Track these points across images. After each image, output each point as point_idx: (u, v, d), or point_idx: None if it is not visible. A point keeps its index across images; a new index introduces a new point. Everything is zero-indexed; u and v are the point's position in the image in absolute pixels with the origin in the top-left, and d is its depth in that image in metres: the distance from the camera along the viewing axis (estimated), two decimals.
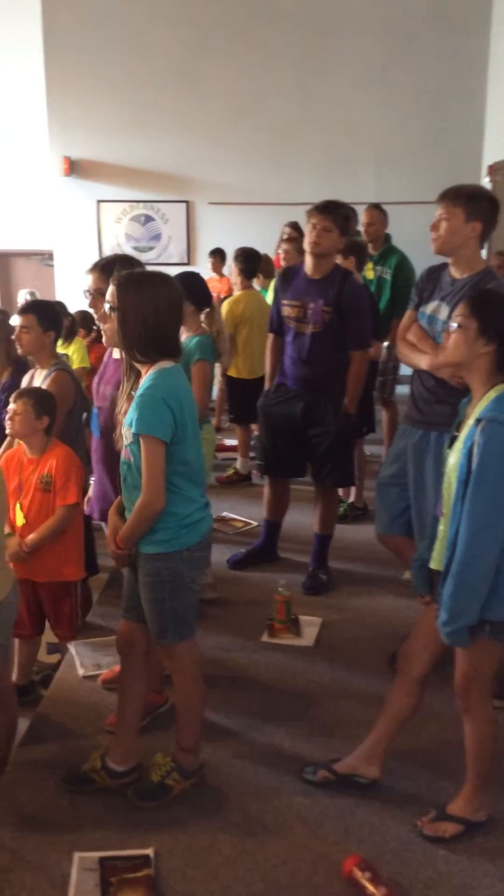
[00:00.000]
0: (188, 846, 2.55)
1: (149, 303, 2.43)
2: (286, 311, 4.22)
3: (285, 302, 4.22)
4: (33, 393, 3.56)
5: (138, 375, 2.57)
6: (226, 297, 7.66)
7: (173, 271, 4.06)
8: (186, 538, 2.58)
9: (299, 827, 2.65)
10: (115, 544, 2.62)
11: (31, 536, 3.45)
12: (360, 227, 5.84)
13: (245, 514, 5.54)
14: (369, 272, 5.62)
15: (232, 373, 6.29)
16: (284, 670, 3.60)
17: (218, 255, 8.92)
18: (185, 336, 4.01)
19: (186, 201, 10.06)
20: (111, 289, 2.50)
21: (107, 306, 2.52)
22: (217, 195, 9.75)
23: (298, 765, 2.92)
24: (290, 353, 4.26)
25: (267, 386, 4.50)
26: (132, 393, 2.57)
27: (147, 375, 2.48)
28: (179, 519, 2.55)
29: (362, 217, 5.84)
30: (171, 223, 10.19)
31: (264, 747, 3.07)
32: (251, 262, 6.23)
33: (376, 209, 5.86)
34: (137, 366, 2.54)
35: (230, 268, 6.16)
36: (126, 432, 2.49)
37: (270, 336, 4.48)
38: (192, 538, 2.60)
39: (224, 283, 8.57)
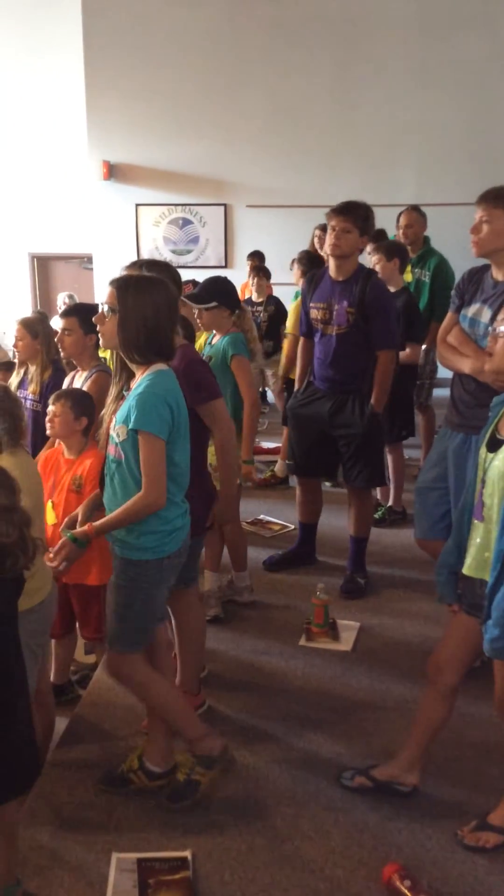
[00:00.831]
0: (226, 850, 2.54)
1: (148, 305, 2.46)
2: (313, 313, 4.25)
3: (312, 304, 4.26)
4: (72, 394, 3.58)
5: (129, 376, 2.59)
6: (245, 300, 7.69)
7: (212, 274, 4.13)
8: (170, 545, 2.59)
9: (337, 833, 2.62)
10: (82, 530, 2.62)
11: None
12: (399, 230, 5.79)
13: (282, 517, 5.52)
14: (408, 275, 5.57)
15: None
16: (322, 675, 3.58)
17: (255, 258, 8.92)
18: (217, 337, 4.04)
19: (224, 204, 10.08)
20: (109, 291, 2.53)
21: (105, 308, 2.53)
22: (255, 198, 9.76)
23: (336, 770, 2.90)
24: (318, 355, 4.30)
25: (297, 387, 4.54)
26: (124, 393, 2.59)
27: (144, 375, 2.50)
28: (165, 523, 2.55)
29: (401, 219, 5.79)
30: (208, 226, 10.22)
31: (302, 752, 3.05)
32: (314, 264, 6.22)
33: (415, 211, 5.81)
34: (132, 367, 2.56)
35: (294, 270, 6.15)
36: (120, 430, 2.49)
37: (301, 339, 4.51)
38: (174, 545, 2.61)
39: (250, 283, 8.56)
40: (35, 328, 4.33)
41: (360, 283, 4.07)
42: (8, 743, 2.10)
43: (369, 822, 2.67)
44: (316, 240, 6.53)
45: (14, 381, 4.46)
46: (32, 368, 4.37)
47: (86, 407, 3.53)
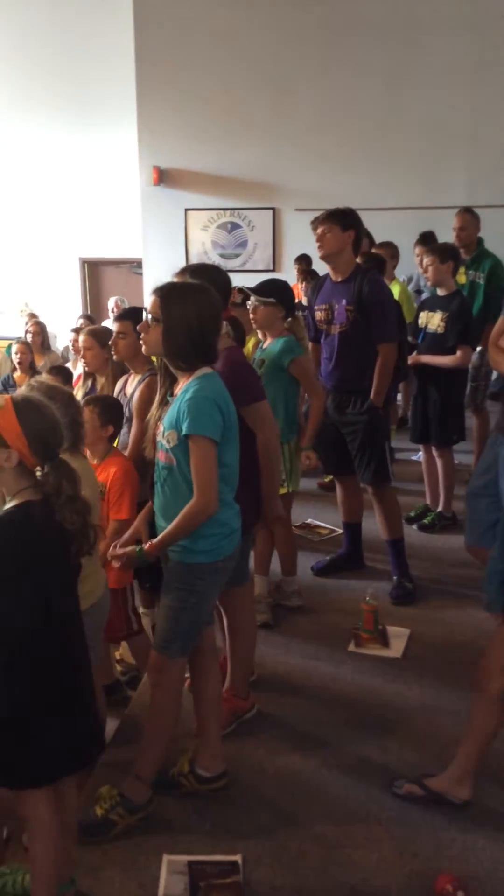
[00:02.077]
0: (276, 855, 2.54)
1: (192, 313, 2.47)
2: (317, 315, 4.34)
3: (316, 307, 4.35)
4: (100, 401, 3.61)
5: (173, 381, 2.60)
6: (297, 303, 7.66)
7: (259, 278, 4.14)
8: (225, 548, 2.59)
9: (389, 841, 2.60)
10: (128, 554, 2.64)
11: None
12: (452, 232, 5.74)
13: (330, 521, 5.50)
14: (461, 277, 5.52)
15: None
16: (372, 681, 3.55)
17: (303, 262, 8.90)
18: (269, 341, 4.04)
19: (273, 208, 10.09)
20: (153, 299, 2.53)
21: (149, 317, 2.53)
22: (303, 201, 9.72)
23: (387, 778, 2.87)
24: (324, 355, 4.39)
25: None
26: (168, 398, 2.59)
27: (190, 380, 2.50)
28: (221, 526, 2.55)
29: (454, 221, 5.74)
30: (257, 230, 10.23)
31: (352, 758, 3.03)
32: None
33: (468, 213, 5.75)
34: (177, 373, 2.57)
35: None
36: (170, 435, 2.49)
37: (311, 345, 4.53)
38: (229, 548, 2.60)
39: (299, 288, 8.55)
40: (103, 338, 4.27)
41: (358, 281, 4.14)
42: (66, 718, 2.15)
43: (421, 832, 2.64)
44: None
45: (79, 392, 4.41)
46: (101, 379, 4.34)
47: (113, 415, 3.57)
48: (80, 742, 2.21)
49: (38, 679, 2.10)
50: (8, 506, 2.11)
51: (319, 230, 4.08)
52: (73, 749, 2.19)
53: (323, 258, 4.17)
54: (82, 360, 4.49)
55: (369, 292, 4.11)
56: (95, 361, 4.31)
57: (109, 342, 4.04)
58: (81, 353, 4.44)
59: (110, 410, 3.56)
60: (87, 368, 4.48)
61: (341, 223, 4.06)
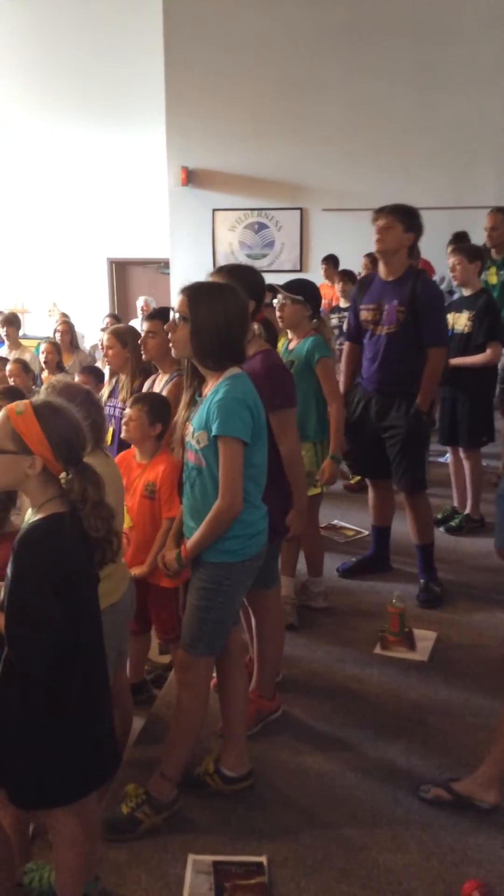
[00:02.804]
0: (301, 857, 2.53)
1: (220, 313, 2.46)
2: (363, 314, 4.25)
3: (362, 307, 4.25)
4: (149, 399, 3.60)
5: (201, 382, 2.60)
6: (336, 307, 7.65)
7: (286, 278, 4.13)
8: (252, 548, 2.58)
9: (415, 845, 2.58)
10: (167, 561, 2.67)
11: (148, 559, 3.50)
12: (484, 231, 5.70)
13: (356, 522, 5.48)
14: (492, 276, 5.48)
15: None
16: (398, 684, 3.53)
17: (330, 262, 8.88)
18: (295, 342, 4.03)
19: (300, 208, 10.08)
20: (181, 298, 2.52)
21: (176, 316, 2.53)
22: (331, 201, 9.72)
23: (413, 782, 2.86)
24: (367, 355, 4.29)
25: (342, 391, 4.45)
26: (197, 399, 2.59)
27: (220, 381, 2.49)
28: (248, 526, 2.54)
29: (485, 221, 5.69)
30: (284, 230, 10.23)
31: (378, 762, 3.01)
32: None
33: (500, 213, 5.71)
34: (206, 373, 2.56)
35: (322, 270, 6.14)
36: (200, 436, 2.48)
37: (346, 344, 4.50)
38: (256, 548, 2.60)
39: (336, 289, 8.53)
40: (125, 338, 4.34)
41: (411, 282, 4.06)
42: (90, 736, 2.13)
43: (448, 837, 2.62)
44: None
45: (105, 391, 4.48)
46: (123, 377, 4.40)
47: (162, 413, 3.55)
48: (101, 760, 2.19)
49: (62, 699, 2.06)
50: (35, 518, 2.06)
51: (381, 222, 4.01)
52: (94, 768, 2.17)
53: (378, 252, 4.11)
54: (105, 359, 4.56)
55: (424, 294, 4.03)
56: (117, 360, 4.38)
57: (139, 341, 4.06)
58: (105, 351, 4.50)
59: (158, 408, 3.55)
60: (110, 367, 4.53)
61: (406, 223, 4.00)
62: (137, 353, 4.23)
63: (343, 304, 7.49)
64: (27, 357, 7.19)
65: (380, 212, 4.05)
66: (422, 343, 4.10)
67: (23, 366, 6.26)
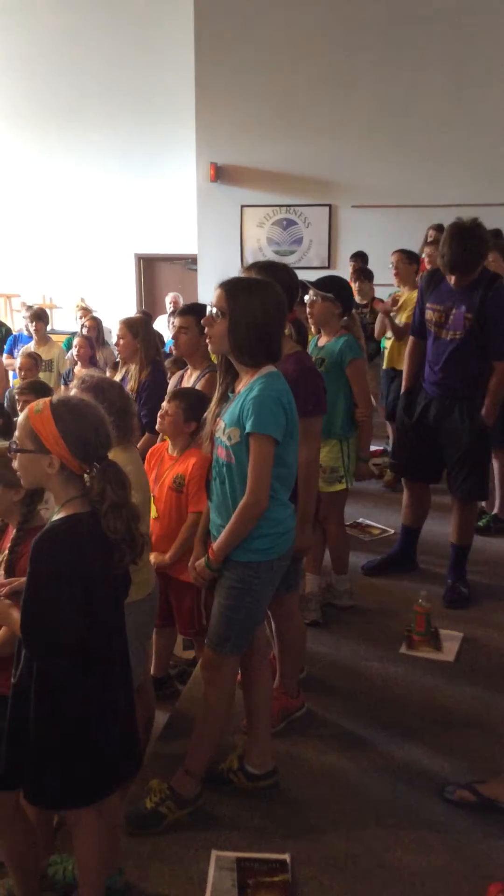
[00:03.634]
0: (325, 855, 2.52)
1: (258, 308, 2.44)
2: (428, 314, 4.12)
3: (429, 305, 4.12)
4: (187, 397, 3.58)
5: (234, 378, 2.58)
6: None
7: (314, 275, 4.10)
8: (280, 547, 2.56)
9: (439, 847, 2.56)
10: (200, 572, 2.63)
11: (172, 550, 3.51)
12: None
13: (382, 520, 5.46)
14: None
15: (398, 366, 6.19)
16: (423, 684, 3.51)
17: (359, 259, 8.83)
18: (324, 339, 4.01)
19: (329, 205, 10.03)
20: (218, 293, 2.50)
21: (213, 310, 2.51)
22: (360, 198, 9.67)
23: (438, 783, 2.84)
24: (429, 357, 4.18)
25: (403, 389, 4.45)
26: (230, 395, 2.58)
27: (255, 378, 2.47)
28: (277, 525, 2.53)
29: None
30: (312, 227, 10.19)
31: (403, 762, 3.00)
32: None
33: None
34: (241, 369, 2.54)
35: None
36: (232, 432, 2.47)
37: (411, 339, 4.40)
38: (284, 547, 2.58)
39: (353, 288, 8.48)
40: (136, 328, 4.40)
41: (482, 290, 3.92)
42: (109, 737, 2.12)
43: (472, 839, 2.60)
44: (430, 238, 6.44)
45: (116, 378, 4.52)
46: (132, 367, 4.44)
47: (198, 412, 3.54)
48: (120, 761, 2.18)
49: (79, 699, 2.05)
50: (56, 517, 2.06)
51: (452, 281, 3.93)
52: (113, 770, 2.16)
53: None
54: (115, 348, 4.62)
55: (494, 304, 3.91)
56: (126, 350, 4.47)
57: (172, 336, 4.07)
58: (116, 341, 4.55)
59: (196, 407, 3.53)
60: (120, 357, 4.59)
61: (477, 261, 3.89)
62: (147, 344, 4.26)
63: (359, 299, 7.44)
64: (55, 352, 7.24)
65: (452, 272, 3.91)
66: (487, 353, 4.02)
67: (35, 360, 6.31)
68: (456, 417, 4.11)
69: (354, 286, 7.53)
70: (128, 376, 4.47)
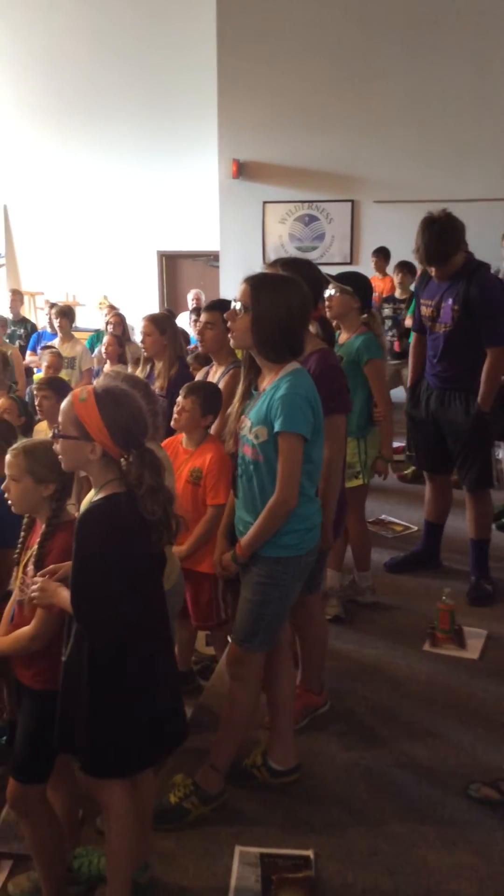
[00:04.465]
0: (348, 852, 2.52)
1: (282, 304, 2.45)
2: (423, 310, 4.23)
3: (422, 301, 4.24)
4: (203, 390, 3.59)
5: (258, 375, 2.58)
6: (389, 296, 7.60)
7: (336, 271, 4.09)
8: (308, 542, 2.57)
9: (463, 845, 2.56)
10: (225, 565, 2.67)
11: (189, 541, 3.51)
12: None
13: (405, 517, 5.44)
14: None
15: None
16: (447, 682, 3.49)
17: (381, 254, 8.80)
18: (344, 336, 4.00)
19: (352, 200, 9.98)
20: (243, 288, 2.50)
21: (237, 305, 2.51)
22: (384, 193, 9.60)
23: (461, 780, 2.83)
24: (429, 351, 4.28)
25: (409, 384, 4.53)
26: (253, 392, 2.58)
27: (281, 375, 2.47)
28: (304, 520, 2.53)
29: None
30: (335, 222, 10.14)
31: (426, 759, 2.99)
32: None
33: None
34: (264, 366, 2.54)
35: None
36: (259, 431, 2.47)
37: (414, 335, 4.46)
38: (311, 542, 2.59)
39: (386, 282, 8.46)
40: (163, 325, 4.40)
41: (465, 281, 4.00)
42: (152, 710, 2.17)
43: (497, 836, 2.59)
44: None
45: (140, 376, 4.53)
46: (159, 364, 4.44)
47: (214, 405, 3.56)
48: (165, 731, 2.23)
49: (130, 670, 2.12)
50: (95, 498, 2.13)
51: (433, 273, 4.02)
52: (159, 739, 2.22)
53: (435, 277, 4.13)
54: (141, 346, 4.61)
55: (478, 292, 3.98)
56: (154, 347, 4.44)
57: (197, 331, 4.07)
58: (142, 338, 4.54)
59: (211, 400, 3.56)
60: (146, 353, 4.57)
61: (452, 250, 3.98)
62: (174, 341, 4.25)
63: (399, 294, 7.43)
64: (79, 350, 7.27)
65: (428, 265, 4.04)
66: (479, 340, 4.05)
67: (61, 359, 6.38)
68: (455, 408, 4.17)
69: (397, 278, 7.52)
70: (154, 373, 4.46)
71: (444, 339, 4.11)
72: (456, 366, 4.13)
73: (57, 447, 2.15)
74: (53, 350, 6.67)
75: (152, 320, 4.48)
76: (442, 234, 3.92)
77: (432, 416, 4.26)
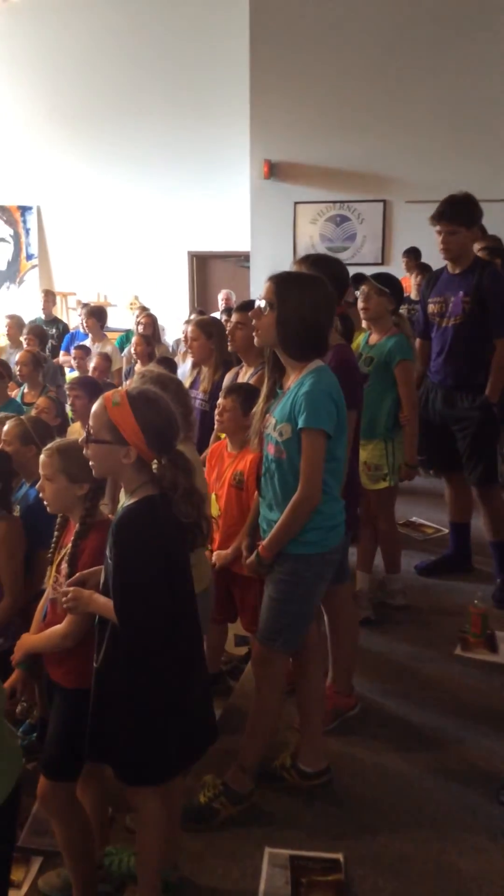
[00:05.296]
0: (378, 856, 2.51)
1: (307, 303, 2.44)
2: (430, 308, 4.24)
3: (430, 300, 4.25)
4: (243, 390, 3.59)
5: (282, 374, 2.58)
6: (406, 297, 7.54)
7: (367, 272, 4.08)
8: (332, 540, 2.56)
9: (495, 851, 2.53)
10: (249, 567, 2.65)
11: (234, 544, 3.50)
12: None
13: (436, 520, 5.39)
14: None
15: None
16: (479, 687, 3.46)
17: (412, 255, 8.74)
18: (375, 338, 3.99)
19: (383, 200, 9.94)
20: (268, 286, 2.49)
21: (262, 303, 2.50)
22: (416, 193, 9.53)
23: (494, 786, 2.80)
24: (434, 348, 4.27)
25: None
26: (278, 391, 2.57)
27: (305, 373, 2.47)
28: (327, 518, 2.52)
29: None
30: (366, 223, 10.11)
31: (457, 764, 2.96)
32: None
33: None
34: (288, 364, 2.53)
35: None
36: (283, 428, 2.47)
37: (418, 341, 4.44)
38: (335, 539, 2.57)
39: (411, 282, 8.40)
40: (209, 329, 4.36)
41: (477, 273, 4.03)
42: (186, 714, 2.16)
43: None
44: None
45: (187, 382, 4.50)
46: (206, 370, 4.41)
47: (254, 403, 3.55)
48: (196, 737, 2.23)
49: (167, 676, 2.11)
50: (129, 502, 2.12)
51: (443, 230, 4.02)
52: (190, 743, 2.21)
53: (447, 259, 4.12)
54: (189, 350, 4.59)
55: (490, 284, 4.00)
56: (201, 352, 4.40)
57: (226, 333, 4.07)
58: (189, 343, 4.52)
59: (251, 399, 3.54)
60: (193, 359, 4.55)
61: (466, 221, 3.98)
62: (221, 345, 4.23)
63: (414, 295, 7.38)
64: (108, 349, 7.31)
65: (438, 220, 4.05)
66: (490, 334, 4.05)
67: (104, 358, 6.41)
68: (462, 403, 4.15)
69: (414, 280, 7.46)
70: (200, 377, 4.46)
71: (453, 332, 4.11)
72: (463, 361, 4.12)
73: (88, 452, 2.13)
74: (102, 353, 6.72)
75: (199, 324, 4.45)
76: (456, 199, 4.07)
77: (439, 415, 4.25)
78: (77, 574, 2.27)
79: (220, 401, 3.55)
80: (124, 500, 2.16)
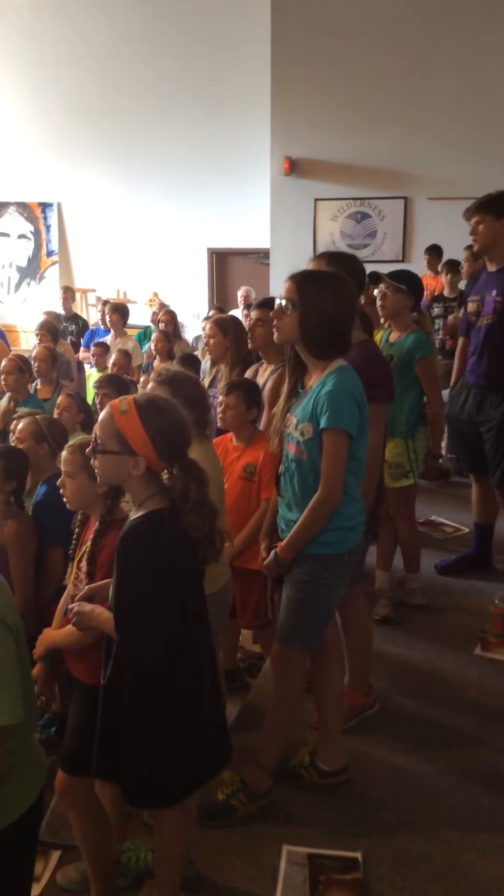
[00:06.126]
0: (397, 855, 2.50)
1: (329, 301, 2.42)
2: (469, 306, 4.20)
3: (469, 298, 4.22)
4: (244, 385, 3.60)
5: (303, 373, 2.56)
6: (439, 295, 7.51)
7: (388, 269, 4.07)
8: (350, 540, 2.54)
9: None
10: (267, 567, 2.62)
11: (241, 535, 3.50)
12: None
13: (456, 519, 5.37)
14: None
15: None
16: (499, 687, 3.43)
17: (433, 252, 8.69)
18: (395, 335, 3.97)
19: (405, 197, 9.89)
20: (288, 285, 2.47)
21: (283, 302, 2.47)
22: (437, 190, 9.48)
23: None
24: (471, 347, 4.24)
25: (451, 385, 4.49)
26: (300, 391, 2.55)
27: (328, 373, 2.45)
28: (347, 519, 2.50)
29: None
30: (387, 220, 10.06)
31: (476, 764, 2.95)
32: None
33: None
34: (311, 363, 2.52)
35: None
36: (304, 428, 2.45)
37: (461, 340, 4.42)
38: (354, 540, 2.55)
39: (438, 280, 8.36)
40: (227, 327, 4.35)
41: None
42: (197, 734, 2.11)
43: None
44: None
45: (206, 380, 4.52)
46: (223, 367, 4.42)
47: (256, 397, 3.58)
48: (211, 753, 2.17)
49: (170, 697, 2.04)
50: (135, 515, 2.04)
51: (472, 221, 3.97)
52: (204, 761, 2.16)
53: (478, 252, 4.09)
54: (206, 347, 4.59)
55: None
56: (218, 350, 4.38)
57: (245, 331, 4.07)
58: (206, 340, 4.52)
59: (253, 393, 3.56)
60: (211, 356, 4.55)
61: (494, 211, 3.93)
62: (238, 343, 4.23)
63: (448, 293, 7.34)
64: (129, 345, 7.33)
65: (467, 212, 4.02)
66: None
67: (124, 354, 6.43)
68: (490, 406, 4.10)
69: (446, 278, 7.43)
70: (218, 375, 4.46)
71: (485, 333, 4.06)
72: (494, 361, 4.06)
73: (95, 463, 2.05)
74: (122, 348, 6.74)
75: (217, 322, 4.44)
76: (495, 194, 4.01)
77: (468, 415, 4.21)
78: (86, 588, 2.24)
79: (221, 398, 3.54)
80: (132, 514, 2.08)
